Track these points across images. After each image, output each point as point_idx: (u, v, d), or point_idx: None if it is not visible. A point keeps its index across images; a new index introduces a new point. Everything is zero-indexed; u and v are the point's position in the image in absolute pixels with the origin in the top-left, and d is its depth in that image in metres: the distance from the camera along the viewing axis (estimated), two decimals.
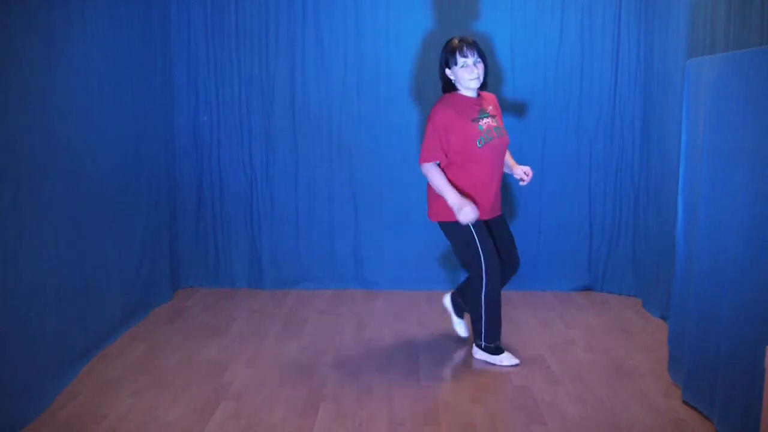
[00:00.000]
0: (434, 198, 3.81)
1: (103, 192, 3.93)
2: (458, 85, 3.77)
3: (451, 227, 3.77)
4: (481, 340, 3.82)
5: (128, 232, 4.31)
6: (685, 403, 3.28)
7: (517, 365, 3.77)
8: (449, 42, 3.75)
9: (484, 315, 3.76)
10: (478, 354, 3.87)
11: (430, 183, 3.75)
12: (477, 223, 3.72)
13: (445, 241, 5.16)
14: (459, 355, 3.97)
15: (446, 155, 3.70)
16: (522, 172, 3.92)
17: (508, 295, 5.08)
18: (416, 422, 3.13)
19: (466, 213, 3.62)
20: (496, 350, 3.81)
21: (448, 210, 3.69)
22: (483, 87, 3.83)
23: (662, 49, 4.56)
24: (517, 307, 4.82)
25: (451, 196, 3.65)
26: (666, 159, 4.40)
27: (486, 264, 3.71)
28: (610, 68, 5.01)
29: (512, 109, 5.06)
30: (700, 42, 3.79)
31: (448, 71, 3.75)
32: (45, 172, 3.28)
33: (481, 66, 3.74)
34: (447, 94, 3.81)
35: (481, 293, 3.73)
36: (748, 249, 2.76)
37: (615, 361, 3.84)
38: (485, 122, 3.74)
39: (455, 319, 4.20)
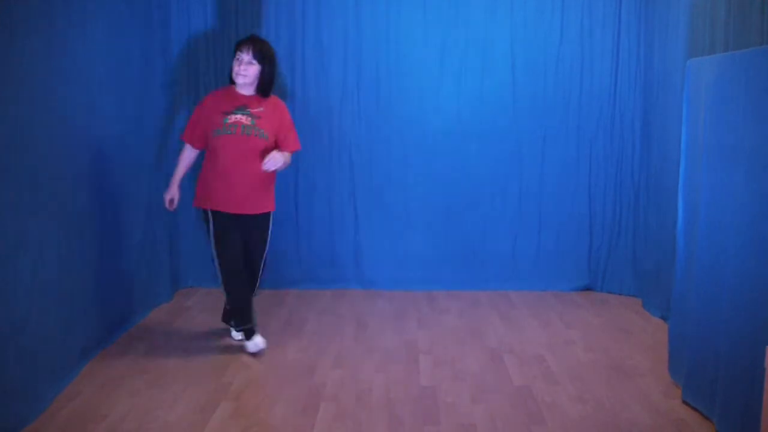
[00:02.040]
0: (198, 183, 3.92)
1: (103, 191, 3.93)
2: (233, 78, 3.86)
3: (200, 213, 4.02)
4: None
5: (128, 232, 4.31)
6: (685, 403, 3.28)
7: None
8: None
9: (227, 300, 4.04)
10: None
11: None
12: (217, 216, 3.83)
13: (445, 240, 5.22)
14: (459, 355, 3.97)
15: (197, 139, 3.88)
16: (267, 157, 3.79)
17: (508, 295, 5.10)
18: (416, 422, 3.13)
19: (167, 198, 3.95)
20: (247, 336, 3.98)
21: (199, 198, 3.89)
22: (264, 93, 3.87)
23: (662, 49, 4.56)
24: (517, 307, 4.82)
25: (173, 177, 3.96)
26: (666, 159, 4.40)
27: (216, 254, 3.88)
28: (610, 68, 5.02)
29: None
30: (700, 42, 3.79)
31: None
32: (45, 172, 3.28)
33: (254, 68, 3.79)
34: (227, 85, 3.93)
35: (219, 281, 3.94)
36: (748, 249, 2.76)
37: (615, 361, 3.84)
38: (236, 117, 3.78)
39: (237, 337, 4.13)
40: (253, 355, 3.90)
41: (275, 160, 3.74)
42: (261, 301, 4.95)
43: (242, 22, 5.04)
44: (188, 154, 3.99)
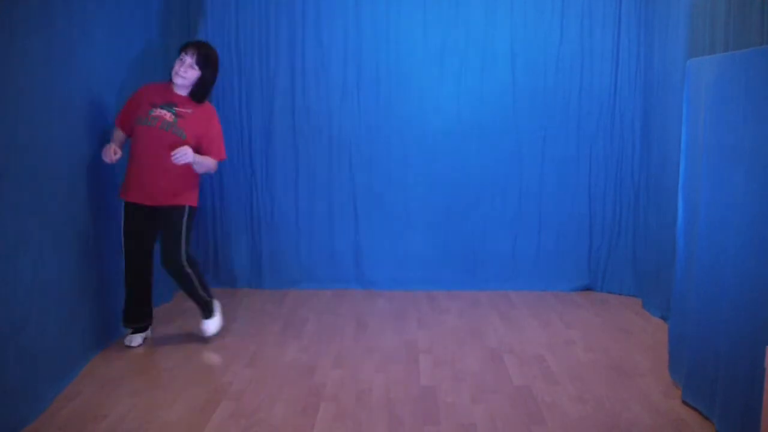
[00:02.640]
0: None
1: (102, 191, 3.93)
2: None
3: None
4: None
5: None
6: (685, 403, 3.28)
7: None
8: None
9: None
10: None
11: None
12: (129, 207, 3.88)
13: (445, 240, 5.21)
14: (459, 355, 3.97)
15: (127, 125, 3.87)
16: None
17: (508, 295, 5.10)
18: (416, 422, 3.13)
19: (104, 151, 3.73)
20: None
21: (121, 189, 3.90)
22: (198, 99, 3.93)
23: (662, 49, 4.56)
24: (517, 307, 4.82)
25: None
26: (666, 159, 4.41)
27: (123, 246, 3.93)
28: (610, 68, 5.02)
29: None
30: (700, 42, 3.79)
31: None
32: (45, 172, 3.28)
33: (193, 72, 3.89)
34: (168, 81, 3.97)
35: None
36: (748, 249, 2.76)
37: (615, 361, 3.84)
38: (161, 112, 3.84)
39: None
40: (131, 347, 3.96)
41: (185, 154, 3.73)
42: (261, 301, 4.97)
43: (242, 22, 5.05)
44: (118, 135, 3.91)
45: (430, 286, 5.20)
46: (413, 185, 5.19)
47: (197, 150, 3.86)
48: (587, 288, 5.23)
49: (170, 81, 3.95)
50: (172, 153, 3.72)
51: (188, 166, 3.83)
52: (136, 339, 4.00)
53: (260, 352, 3.97)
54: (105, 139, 3.92)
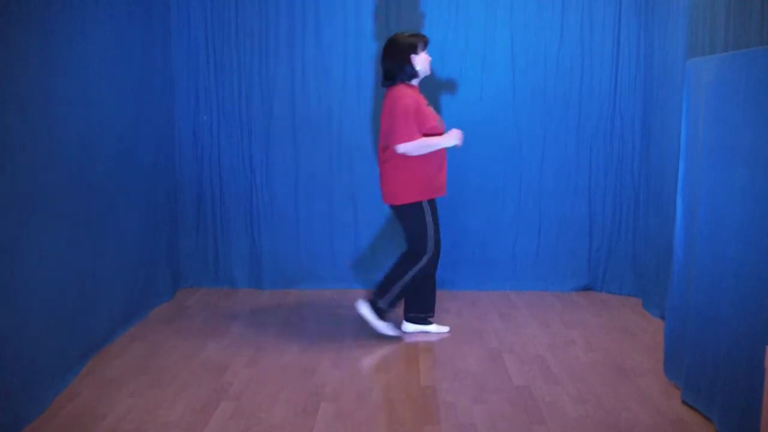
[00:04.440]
0: (394, 182, 4.02)
1: (102, 192, 3.93)
2: (418, 74, 4.04)
3: (410, 209, 4.03)
4: (381, 299, 4.07)
5: (128, 232, 4.31)
6: (685, 403, 3.28)
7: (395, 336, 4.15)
8: (411, 33, 4.06)
9: (401, 286, 4.06)
10: (364, 309, 4.12)
11: (415, 150, 3.93)
12: (432, 204, 4.06)
13: (443, 240, 5.18)
14: (459, 354, 3.97)
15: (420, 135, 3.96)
16: None
17: (508, 295, 5.10)
18: (416, 422, 3.13)
19: (457, 135, 4.01)
20: (381, 316, 4.12)
21: (409, 193, 3.98)
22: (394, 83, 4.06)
23: (662, 49, 4.56)
24: (517, 307, 4.82)
25: (444, 139, 3.99)
26: (666, 159, 4.40)
27: (429, 247, 4.06)
28: (610, 68, 5.02)
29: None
30: (700, 42, 3.79)
31: (414, 57, 3.99)
32: (45, 172, 3.28)
33: None
34: (402, 84, 4.02)
35: (413, 269, 4.05)
36: (748, 249, 2.76)
37: (615, 361, 3.84)
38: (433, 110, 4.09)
39: (431, 327, 4.30)
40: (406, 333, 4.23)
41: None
42: (261, 301, 4.97)
43: (242, 22, 5.05)
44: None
45: None
46: None
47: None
48: (587, 288, 5.23)
49: (406, 83, 4.03)
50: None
51: None
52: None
53: (260, 352, 3.97)
54: (104, 139, 3.92)
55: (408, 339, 4.18)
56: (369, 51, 5.08)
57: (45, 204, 3.28)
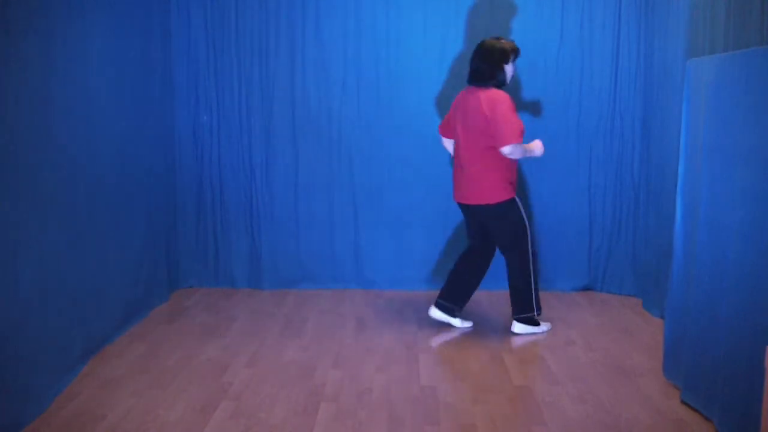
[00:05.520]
0: (486, 181, 4.06)
1: (102, 192, 3.93)
2: (505, 81, 4.12)
3: (506, 206, 4.08)
4: (532, 311, 4.19)
5: (128, 232, 4.31)
6: (685, 403, 3.28)
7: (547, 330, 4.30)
8: (507, 42, 4.13)
9: (533, 286, 4.16)
10: (520, 328, 4.23)
11: (518, 155, 4.03)
12: (518, 199, 4.15)
13: (444, 240, 5.21)
14: (459, 354, 3.97)
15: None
16: None
17: (507, 295, 5.09)
18: (416, 422, 3.13)
19: (540, 146, 4.14)
20: (535, 321, 4.25)
21: (503, 191, 4.06)
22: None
23: (662, 49, 4.56)
24: None
25: (537, 148, 4.12)
26: (666, 159, 4.40)
27: (531, 237, 4.15)
28: (610, 68, 5.01)
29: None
30: (700, 42, 3.79)
31: (507, 66, 4.09)
32: (45, 172, 3.28)
33: None
34: (494, 89, 4.06)
35: (529, 266, 4.14)
36: (747, 249, 2.76)
37: (615, 361, 3.84)
38: None
39: (455, 321, 4.33)
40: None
41: None
42: (261, 301, 4.97)
43: (242, 23, 5.05)
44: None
45: (430, 286, 5.20)
46: (413, 185, 5.18)
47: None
48: (587, 288, 5.23)
49: (499, 89, 4.08)
50: None
51: None
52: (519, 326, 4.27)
53: (260, 352, 3.97)
54: (104, 139, 3.92)
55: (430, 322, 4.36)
56: (369, 51, 5.08)
57: (45, 204, 3.28)
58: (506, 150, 3.97)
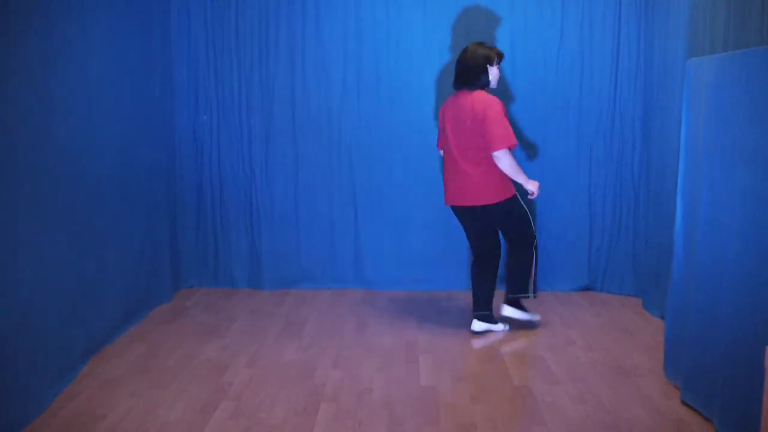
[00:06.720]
0: (488, 182, 4.07)
1: (103, 192, 3.93)
2: (490, 83, 4.12)
3: (510, 203, 4.13)
4: (528, 293, 4.27)
5: (128, 232, 4.31)
6: (685, 403, 3.28)
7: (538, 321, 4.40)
8: (491, 45, 4.18)
9: (534, 271, 4.25)
10: (509, 311, 4.31)
11: (506, 165, 4.03)
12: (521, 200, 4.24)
13: (444, 240, 5.21)
14: (459, 354, 3.97)
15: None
16: None
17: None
18: (416, 422, 3.13)
19: (537, 186, 4.16)
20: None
21: (506, 189, 4.10)
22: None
23: (662, 49, 4.56)
24: None
25: (526, 180, 4.11)
26: (666, 159, 4.40)
27: (534, 226, 4.26)
28: (610, 68, 5.01)
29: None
30: (700, 42, 3.79)
31: (490, 68, 4.10)
32: (45, 173, 3.28)
33: None
34: (481, 90, 4.09)
35: (534, 254, 4.23)
36: (747, 249, 2.76)
37: (615, 361, 3.84)
38: None
39: (497, 326, 4.34)
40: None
41: None
42: (261, 301, 4.97)
43: (242, 23, 5.05)
44: None
45: (430, 286, 5.20)
46: (413, 185, 5.18)
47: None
48: (587, 288, 5.23)
49: (484, 90, 4.10)
50: None
51: None
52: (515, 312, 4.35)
53: (260, 352, 3.97)
54: (104, 139, 3.92)
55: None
56: (369, 51, 5.08)
57: (45, 204, 3.28)
58: (498, 153, 3.98)
